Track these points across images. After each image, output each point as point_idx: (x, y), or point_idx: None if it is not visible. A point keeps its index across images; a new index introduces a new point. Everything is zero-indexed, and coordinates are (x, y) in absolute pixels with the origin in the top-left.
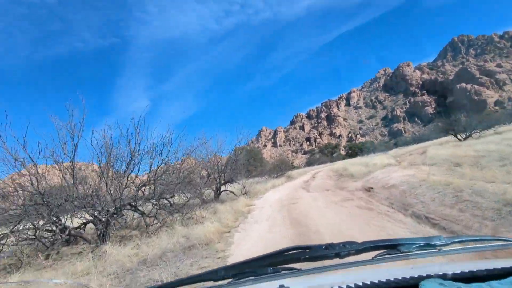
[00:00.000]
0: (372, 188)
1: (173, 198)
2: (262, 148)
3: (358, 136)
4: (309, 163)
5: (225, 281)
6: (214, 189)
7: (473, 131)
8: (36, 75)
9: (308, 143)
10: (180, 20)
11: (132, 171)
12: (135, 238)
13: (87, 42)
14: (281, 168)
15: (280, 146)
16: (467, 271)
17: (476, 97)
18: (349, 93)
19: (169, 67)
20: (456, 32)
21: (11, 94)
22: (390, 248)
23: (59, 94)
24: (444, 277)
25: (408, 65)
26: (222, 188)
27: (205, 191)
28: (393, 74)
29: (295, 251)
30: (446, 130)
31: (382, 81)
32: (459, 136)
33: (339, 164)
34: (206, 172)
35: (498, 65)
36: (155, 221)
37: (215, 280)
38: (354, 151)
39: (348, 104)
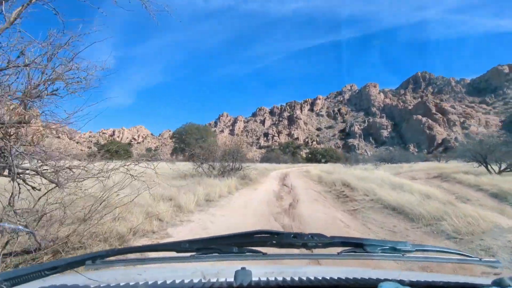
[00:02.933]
0: None
1: None
2: (218, 133)
3: (314, 142)
4: (265, 159)
5: (188, 254)
6: None
7: None
8: None
9: (265, 138)
10: None
11: None
12: None
13: None
14: (234, 159)
15: (237, 135)
16: (423, 280)
17: (428, 131)
18: (315, 99)
19: (143, 30)
20: (420, 68)
21: None
22: (357, 246)
23: None
24: (402, 282)
25: (375, 86)
26: None
27: None
28: (359, 91)
29: (263, 234)
30: (474, 157)
31: (346, 96)
32: (489, 168)
33: (316, 170)
34: None
35: (452, 106)
36: None
37: (177, 251)
38: (315, 156)
39: (311, 110)
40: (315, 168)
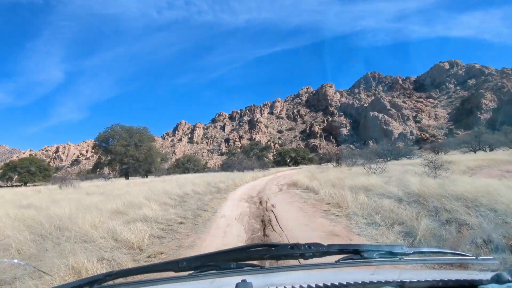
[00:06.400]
0: None
1: None
2: (176, 142)
3: (277, 145)
4: (226, 166)
5: (186, 273)
6: None
7: None
8: None
9: (226, 144)
10: None
11: None
12: None
13: None
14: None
15: (197, 143)
16: (423, 280)
17: (384, 127)
18: (274, 102)
19: (96, 43)
20: (369, 69)
21: None
22: (354, 253)
23: None
24: (401, 285)
25: (331, 86)
26: None
27: None
28: (316, 92)
29: (260, 248)
30: None
31: (304, 98)
32: None
33: (317, 183)
34: None
35: (404, 102)
36: None
37: (176, 271)
38: (284, 158)
39: (271, 113)
40: (308, 177)
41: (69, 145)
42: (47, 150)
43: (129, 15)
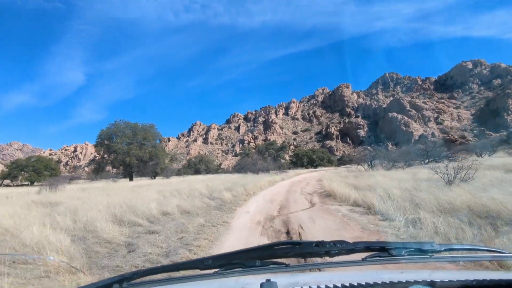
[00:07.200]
0: None
1: None
2: (191, 143)
3: (292, 146)
4: (239, 168)
5: (212, 271)
6: None
7: None
8: None
9: (241, 145)
10: (137, 2)
11: None
12: None
13: (27, 0)
14: None
15: (211, 144)
16: (456, 280)
17: (404, 128)
18: (289, 103)
19: (115, 46)
20: (387, 69)
21: None
22: (381, 250)
23: None
24: (432, 284)
25: (348, 87)
26: None
27: None
28: (332, 93)
29: (285, 246)
30: None
31: (320, 99)
32: None
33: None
34: None
35: (424, 103)
36: None
37: (201, 269)
38: (301, 159)
39: (286, 114)
40: (345, 183)
41: (87, 144)
42: (66, 150)
43: (147, 18)
